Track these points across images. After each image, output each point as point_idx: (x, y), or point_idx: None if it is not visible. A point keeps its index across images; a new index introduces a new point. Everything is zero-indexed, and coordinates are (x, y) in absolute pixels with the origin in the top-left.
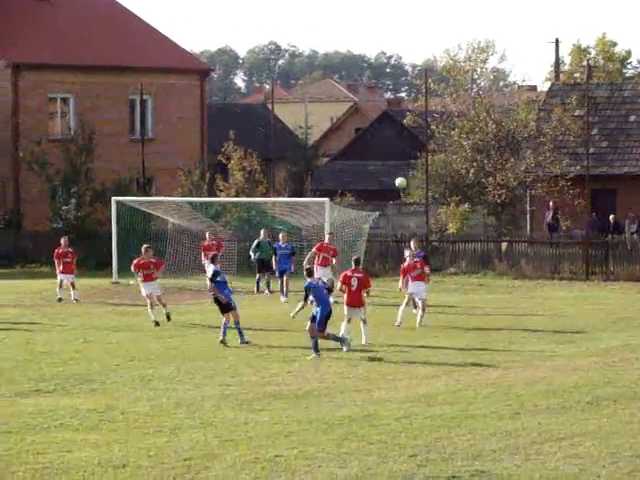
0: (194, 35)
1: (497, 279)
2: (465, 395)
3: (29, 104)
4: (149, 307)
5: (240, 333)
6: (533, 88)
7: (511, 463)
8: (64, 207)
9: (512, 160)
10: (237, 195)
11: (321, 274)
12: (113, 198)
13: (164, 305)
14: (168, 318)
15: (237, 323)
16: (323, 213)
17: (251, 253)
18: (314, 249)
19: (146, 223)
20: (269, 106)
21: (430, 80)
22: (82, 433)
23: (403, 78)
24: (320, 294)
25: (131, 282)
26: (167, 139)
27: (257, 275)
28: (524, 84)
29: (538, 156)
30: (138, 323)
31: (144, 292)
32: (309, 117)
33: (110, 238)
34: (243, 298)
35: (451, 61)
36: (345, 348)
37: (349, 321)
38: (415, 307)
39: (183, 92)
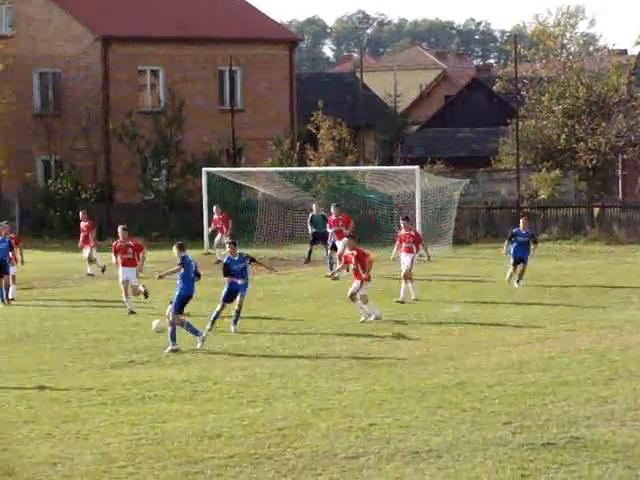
0: (282, 5)
1: (589, 245)
2: (559, 362)
3: (119, 77)
4: (123, 296)
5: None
6: (623, 52)
7: (606, 429)
8: (155, 179)
9: (603, 125)
10: (327, 164)
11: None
12: (203, 169)
13: (136, 295)
14: (145, 295)
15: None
16: (413, 181)
17: (308, 227)
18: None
19: (236, 193)
20: (358, 75)
21: (520, 46)
22: (176, 404)
23: (492, 44)
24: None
25: (223, 253)
26: (256, 109)
27: (309, 246)
28: (614, 48)
29: (630, 120)
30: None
31: (120, 279)
32: (398, 85)
33: (201, 209)
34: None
35: (540, 26)
36: None
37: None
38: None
39: (272, 62)
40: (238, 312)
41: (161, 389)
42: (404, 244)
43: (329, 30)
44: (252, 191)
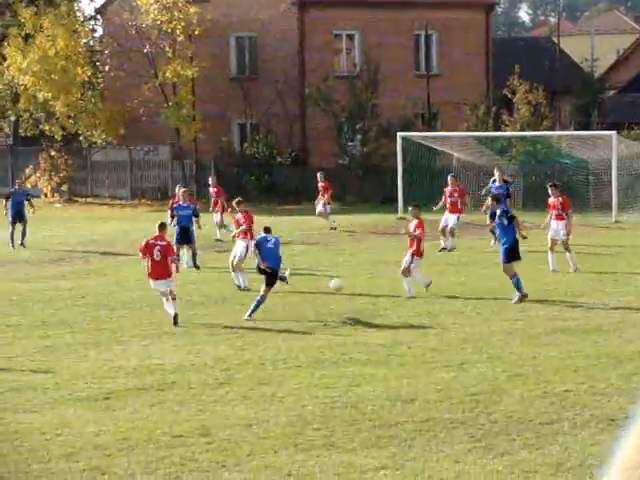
0: None
1: None
2: None
3: (315, 41)
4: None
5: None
6: None
7: None
8: (350, 143)
9: None
10: (522, 129)
11: (447, 220)
12: (398, 134)
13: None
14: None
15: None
16: (610, 146)
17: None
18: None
19: (431, 158)
20: (554, 39)
21: None
22: (370, 367)
23: None
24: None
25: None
26: (452, 74)
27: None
28: None
29: None
30: (424, 258)
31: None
32: (595, 50)
33: (395, 174)
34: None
35: None
36: None
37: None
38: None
39: (468, 27)
40: None
41: (355, 352)
42: (554, 212)
43: None
44: (447, 156)
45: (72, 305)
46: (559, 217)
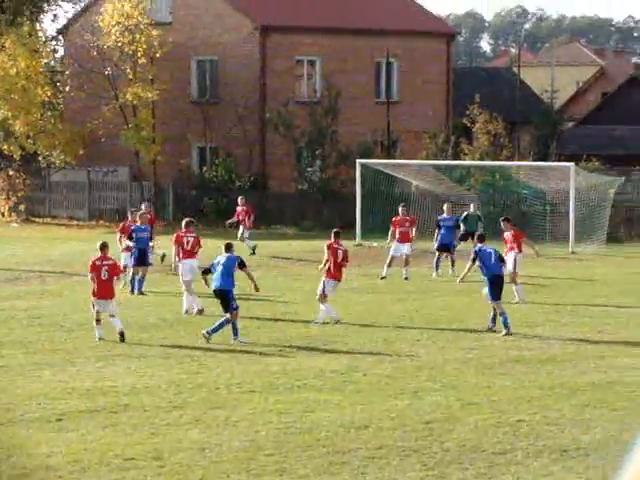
0: None
1: None
2: None
3: (276, 66)
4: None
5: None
6: None
7: None
8: (309, 169)
9: None
10: (481, 159)
11: (399, 250)
12: (358, 160)
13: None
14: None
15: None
16: (568, 178)
17: (461, 224)
18: (391, 226)
19: (390, 185)
20: (515, 70)
21: None
22: (325, 394)
23: None
24: (487, 260)
25: (374, 244)
26: (412, 102)
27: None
28: None
29: None
30: (381, 285)
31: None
32: (555, 81)
33: (354, 200)
34: None
35: None
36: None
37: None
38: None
39: (429, 55)
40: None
41: (310, 378)
42: (508, 245)
43: (487, 24)
44: (405, 183)
45: (27, 325)
46: (511, 250)
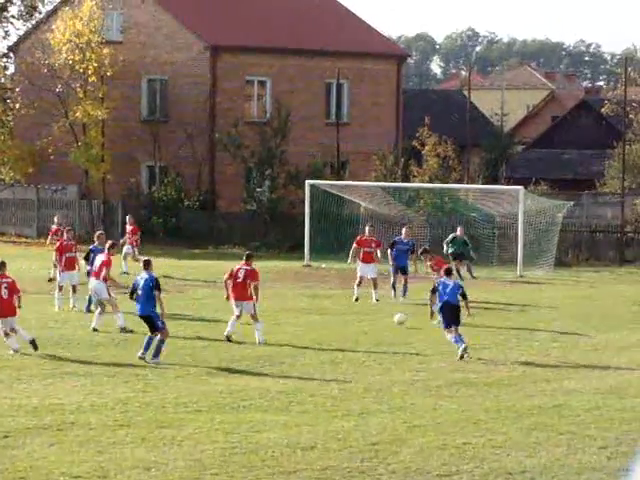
0: (392, 21)
1: None
2: None
3: (226, 86)
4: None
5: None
6: None
7: None
8: (258, 189)
9: None
10: (431, 181)
11: (365, 271)
12: (307, 181)
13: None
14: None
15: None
16: (517, 201)
17: (444, 245)
18: (354, 244)
19: (339, 207)
20: (465, 92)
21: (630, 69)
22: (271, 414)
23: (602, 67)
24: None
25: (323, 265)
26: (362, 123)
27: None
28: None
29: None
30: (329, 306)
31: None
32: (505, 104)
33: (303, 221)
34: None
35: None
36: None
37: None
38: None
39: (379, 77)
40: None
41: (257, 399)
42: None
43: (437, 47)
44: (354, 205)
45: None
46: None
